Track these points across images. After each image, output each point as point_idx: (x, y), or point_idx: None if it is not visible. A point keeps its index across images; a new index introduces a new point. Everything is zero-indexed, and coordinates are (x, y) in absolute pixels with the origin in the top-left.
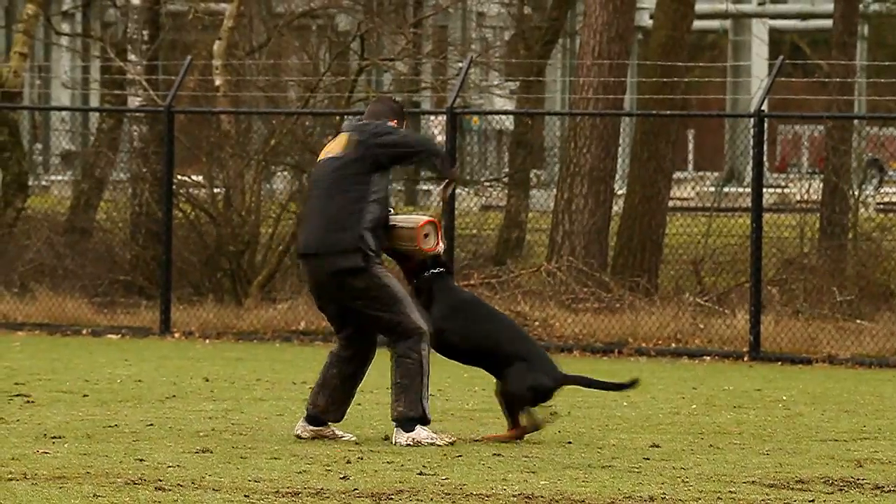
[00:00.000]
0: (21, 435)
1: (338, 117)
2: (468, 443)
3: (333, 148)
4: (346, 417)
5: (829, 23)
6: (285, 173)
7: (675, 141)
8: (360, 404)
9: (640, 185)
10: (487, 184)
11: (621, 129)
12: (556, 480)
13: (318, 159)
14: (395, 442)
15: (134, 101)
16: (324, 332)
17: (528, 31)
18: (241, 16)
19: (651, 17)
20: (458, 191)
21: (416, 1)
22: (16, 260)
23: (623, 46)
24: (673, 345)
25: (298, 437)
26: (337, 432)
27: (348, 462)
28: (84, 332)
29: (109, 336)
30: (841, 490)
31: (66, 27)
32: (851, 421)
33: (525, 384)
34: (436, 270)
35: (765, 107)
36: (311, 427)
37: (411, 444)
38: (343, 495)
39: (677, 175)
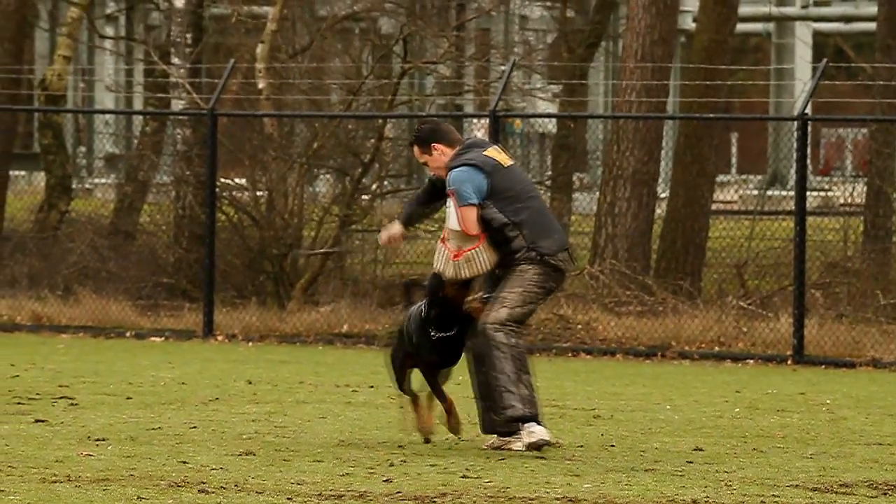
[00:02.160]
0: (65, 437)
1: (380, 120)
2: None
3: (505, 158)
4: (389, 421)
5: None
6: (328, 176)
7: (718, 144)
8: (402, 407)
9: (682, 188)
10: None
11: (664, 133)
12: (600, 484)
13: (504, 164)
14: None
15: (177, 105)
16: (366, 334)
17: (571, 34)
18: (284, 19)
19: (694, 20)
20: None
21: (458, 4)
22: (60, 263)
23: (666, 49)
24: (716, 348)
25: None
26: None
27: (391, 465)
28: (128, 334)
29: (153, 339)
30: (885, 494)
31: (109, 30)
32: (895, 425)
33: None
34: None
35: (808, 110)
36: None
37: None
38: (386, 498)
39: (720, 178)
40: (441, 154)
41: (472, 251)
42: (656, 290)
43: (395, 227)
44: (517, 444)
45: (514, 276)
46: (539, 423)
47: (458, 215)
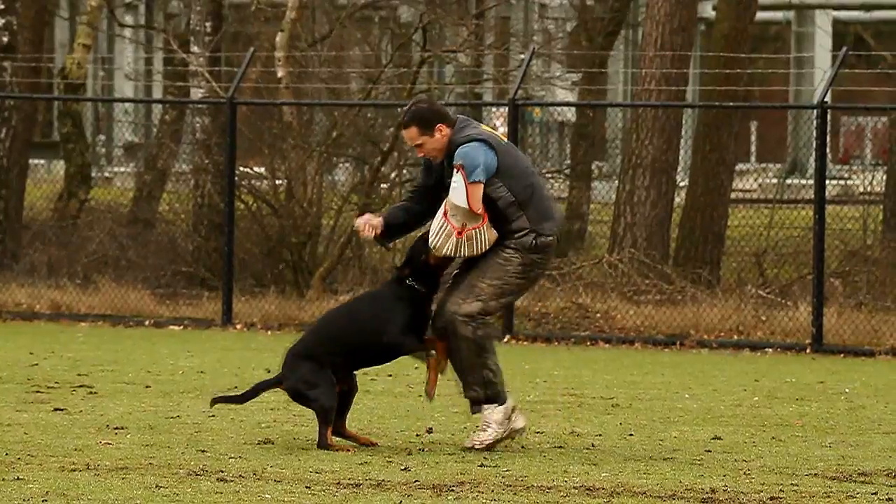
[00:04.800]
0: (84, 426)
1: (399, 109)
2: (530, 434)
3: (500, 134)
4: (407, 410)
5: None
6: (347, 165)
7: (738, 132)
8: (421, 395)
9: (702, 176)
10: (549, 175)
11: (683, 121)
12: (618, 472)
13: (506, 142)
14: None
15: (196, 93)
16: None
17: (591, 23)
18: (304, 7)
19: (714, 8)
20: None
21: None
22: (79, 251)
23: (686, 38)
24: (735, 337)
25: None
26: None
27: (409, 454)
28: (146, 323)
29: (172, 327)
30: None
31: (129, 19)
32: None
33: None
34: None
35: (828, 98)
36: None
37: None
38: (404, 487)
39: (740, 167)
40: (443, 136)
41: (476, 229)
42: (675, 279)
43: (377, 220)
44: (486, 434)
45: (496, 264)
46: (502, 403)
47: (466, 191)
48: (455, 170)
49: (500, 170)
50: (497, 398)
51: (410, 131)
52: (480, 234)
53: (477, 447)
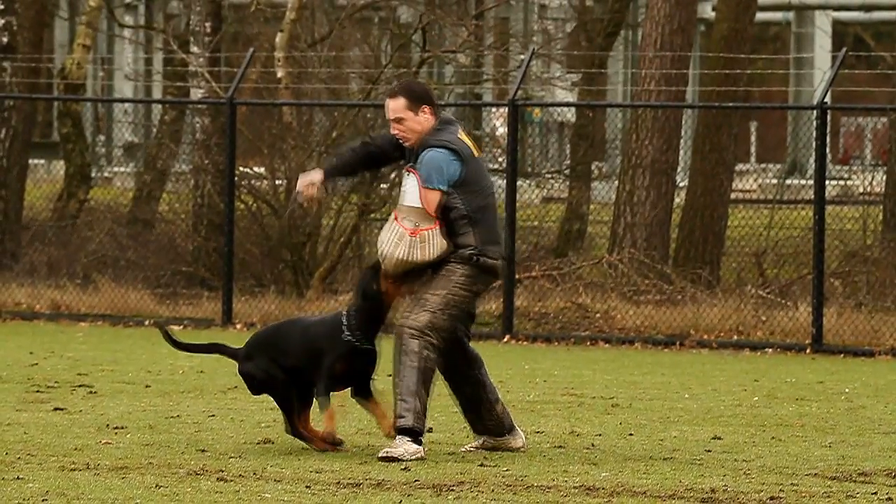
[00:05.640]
0: (84, 425)
1: None
2: (530, 434)
3: (473, 145)
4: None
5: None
6: None
7: (737, 133)
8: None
9: (701, 177)
10: (549, 176)
11: (683, 122)
12: (618, 472)
13: (475, 153)
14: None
15: (196, 93)
16: (386, 323)
17: (590, 23)
18: (304, 8)
19: (713, 8)
20: (519, 182)
21: None
22: (79, 251)
23: (685, 38)
24: (735, 337)
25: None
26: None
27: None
28: (146, 322)
29: (171, 327)
30: None
31: (128, 19)
32: None
33: None
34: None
35: (828, 99)
36: None
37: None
38: (404, 487)
39: (739, 167)
40: (426, 119)
41: (430, 231)
42: (675, 279)
43: (316, 174)
44: (400, 450)
45: (441, 276)
46: (420, 441)
47: (420, 194)
48: (408, 173)
49: (461, 182)
50: (419, 435)
51: (398, 101)
52: (433, 237)
53: (389, 455)
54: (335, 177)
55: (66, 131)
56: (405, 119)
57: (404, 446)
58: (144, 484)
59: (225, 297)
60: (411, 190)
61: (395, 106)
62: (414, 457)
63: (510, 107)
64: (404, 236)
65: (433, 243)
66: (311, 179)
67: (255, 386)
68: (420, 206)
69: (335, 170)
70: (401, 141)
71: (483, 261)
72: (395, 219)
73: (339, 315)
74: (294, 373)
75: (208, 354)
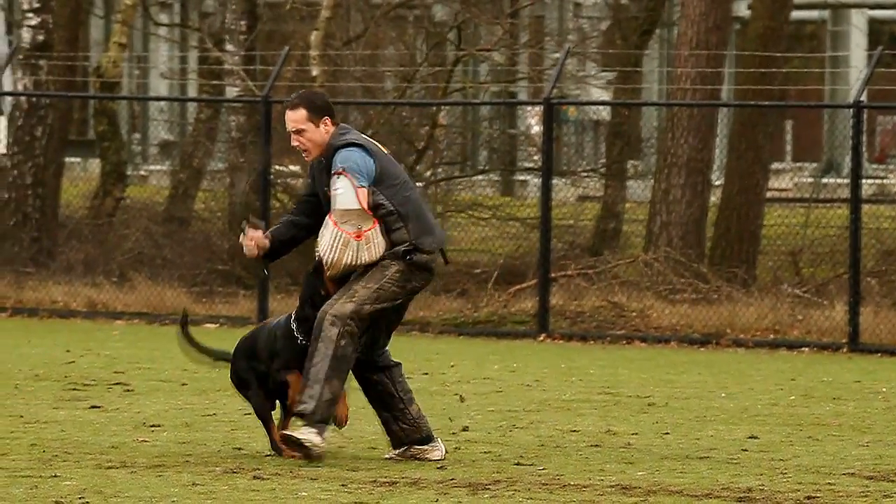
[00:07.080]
0: (120, 423)
1: (434, 107)
2: (566, 433)
3: (380, 146)
4: (443, 409)
5: None
6: None
7: (773, 132)
8: (457, 394)
9: (737, 175)
10: (584, 174)
11: (719, 120)
12: (654, 471)
13: (385, 152)
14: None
15: (231, 92)
16: (420, 321)
17: (625, 22)
18: (339, 6)
19: (749, 6)
20: (555, 181)
21: None
22: (115, 249)
23: (721, 36)
24: (771, 336)
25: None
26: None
27: (445, 452)
28: None
29: (207, 325)
30: None
31: (164, 17)
32: None
33: None
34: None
35: (864, 97)
36: None
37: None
38: (440, 485)
39: (775, 166)
40: (326, 131)
41: (371, 231)
42: (711, 278)
43: (264, 240)
44: (304, 436)
45: (374, 271)
46: (323, 432)
47: (355, 193)
48: (336, 175)
49: (379, 178)
50: (324, 424)
51: (298, 112)
52: (375, 236)
53: (291, 436)
54: (277, 245)
55: (102, 129)
56: (306, 131)
57: (308, 435)
58: (181, 482)
59: (261, 296)
60: (343, 191)
61: (296, 117)
62: (316, 450)
63: (545, 105)
64: (349, 241)
65: (376, 242)
66: (260, 244)
67: (238, 389)
68: (357, 206)
69: (279, 246)
70: (302, 154)
71: (417, 257)
72: (335, 224)
73: (289, 318)
74: (266, 377)
75: (210, 358)
